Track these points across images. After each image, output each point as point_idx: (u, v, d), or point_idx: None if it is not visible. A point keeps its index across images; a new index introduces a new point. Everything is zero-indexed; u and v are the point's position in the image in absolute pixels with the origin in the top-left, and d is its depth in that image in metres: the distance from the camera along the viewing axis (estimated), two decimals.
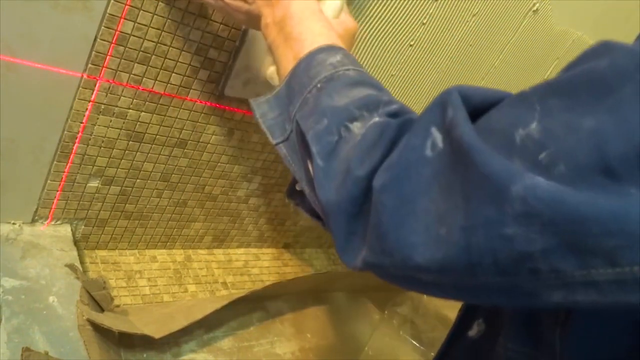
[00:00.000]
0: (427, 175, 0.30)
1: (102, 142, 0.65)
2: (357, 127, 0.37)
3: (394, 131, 0.35)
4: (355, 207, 0.34)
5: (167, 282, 0.79)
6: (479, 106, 0.31)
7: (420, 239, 0.29)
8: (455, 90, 0.31)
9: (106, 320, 0.60)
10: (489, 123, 0.29)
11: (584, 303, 0.25)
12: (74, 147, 0.64)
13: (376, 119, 0.37)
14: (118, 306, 0.70)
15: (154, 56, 0.61)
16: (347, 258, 0.36)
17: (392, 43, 0.80)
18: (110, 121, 0.64)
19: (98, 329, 0.60)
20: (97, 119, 0.63)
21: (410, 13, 0.77)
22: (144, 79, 0.62)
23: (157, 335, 0.63)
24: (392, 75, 0.84)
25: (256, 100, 0.45)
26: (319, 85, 0.41)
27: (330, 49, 0.43)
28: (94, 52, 0.57)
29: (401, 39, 0.80)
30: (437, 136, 0.31)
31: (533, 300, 0.26)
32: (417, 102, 0.92)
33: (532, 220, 0.24)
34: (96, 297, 0.63)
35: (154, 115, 0.67)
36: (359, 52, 0.78)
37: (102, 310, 0.64)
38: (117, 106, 0.63)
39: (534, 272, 0.25)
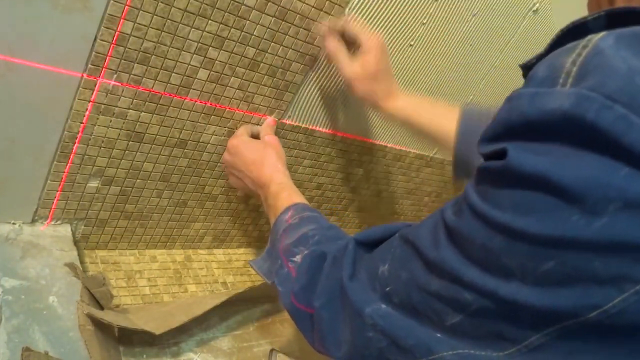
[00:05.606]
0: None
1: (102, 142, 0.66)
2: (297, 259, 0.54)
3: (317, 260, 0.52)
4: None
5: (167, 282, 0.79)
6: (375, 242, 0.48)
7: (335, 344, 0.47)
8: (352, 239, 0.49)
9: (106, 316, 0.60)
10: (372, 255, 0.46)
11: None
12: (74, 147, 0.64)
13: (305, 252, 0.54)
14: (118, 306, 0.70)
15: (153, 56, 0.61)
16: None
17: (392, 43, 0.80)
18: (110, 121, 0.64)
19: (98, 328, 0.60)
20: (97, 119, 0.63)
21: (410, 13, 0.77)
22: (144, 79, 0.62)
23: (157, 331, 0.63)
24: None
25: (254, 260, 0.63)
26: (278, 237, 0.59)
27: (285, 210, 0.62)
28: (94, 53, 0.57)
29: (401, 39, 0.80)
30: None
31: None
32: None
33: (376, 328, 0.40)
34: (96, 294, 0.64)
35: (154, 115, 0.67)
36: None
37: (102, 309, 0.64)
38: (117, 106, 0.63)
39: None
